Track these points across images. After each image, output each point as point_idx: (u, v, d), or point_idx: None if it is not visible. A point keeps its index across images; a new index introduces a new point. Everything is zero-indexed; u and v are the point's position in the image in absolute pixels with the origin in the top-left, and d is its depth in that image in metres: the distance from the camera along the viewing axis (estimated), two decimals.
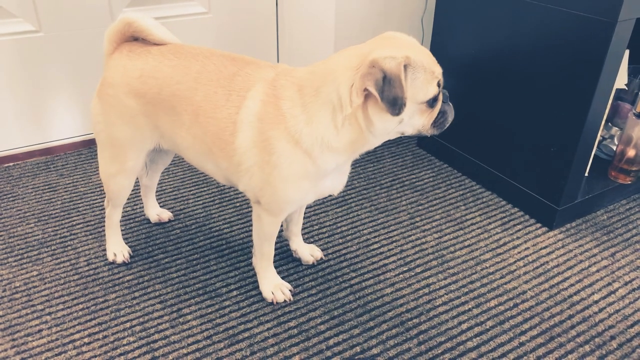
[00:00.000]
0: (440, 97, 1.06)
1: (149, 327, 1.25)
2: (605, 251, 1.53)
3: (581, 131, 1.44)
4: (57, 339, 1.21)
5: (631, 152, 1.68)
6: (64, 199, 1.70)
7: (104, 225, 1.46)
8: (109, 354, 1.18)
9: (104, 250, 1.47)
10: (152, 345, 1.20)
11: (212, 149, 1.14)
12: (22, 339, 1.21)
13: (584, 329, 1.28)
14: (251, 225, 1.31)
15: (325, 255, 1.49)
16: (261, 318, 1.28)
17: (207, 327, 1.25)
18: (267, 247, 1.29)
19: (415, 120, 1.05)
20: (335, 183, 1.19)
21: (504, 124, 1.68)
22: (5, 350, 1.18)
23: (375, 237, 1.57)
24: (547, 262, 1.49)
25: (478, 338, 1.25)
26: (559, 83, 1.47)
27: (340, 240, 1.55)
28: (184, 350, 1.19)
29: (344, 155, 1.09)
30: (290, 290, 1.34)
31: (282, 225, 1.47)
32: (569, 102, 1.46)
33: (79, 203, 1.68)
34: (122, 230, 1.52)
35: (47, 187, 1.76)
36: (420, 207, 1.71)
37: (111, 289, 1.35)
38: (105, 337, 1.22)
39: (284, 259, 1.47)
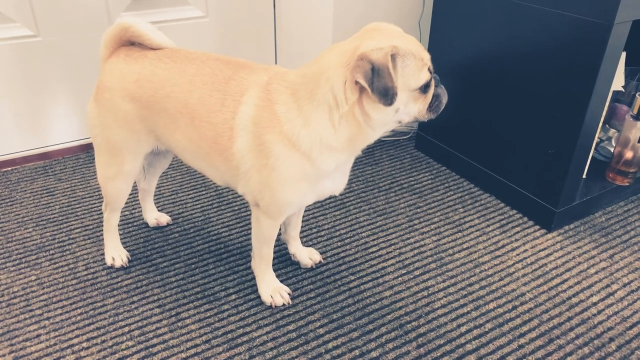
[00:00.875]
0: (433, 82, 1.07)
1: (148, 332, 1.24)
2: (604, 253, 1.54)
3: (578, 133, 1.45)
4: (55, 344, 1.21)
5: (629, 154, 1.68)
6: (62, 203, 1.69)
7: (102, 230, 1.45)
8: (107, 358, 1.18)
9: (103, 254, 1.47)
10: (150, 349, 1.20)
11: (209, 153, 1.14)
12: (21, 344, 1.21)
13: (582, 331, 1.28)
14: (250, 228, 1.31)
15: (324, 259, 1.48)
16: (260, 322, 1.28)
17: (205, 331, 1.25)
18: (266, 250, 1.29)
19: (411, 107, 1.05)
20: (336, 183, 1.19)
21: (502, 126, 1.69)
22: (4, 355, 1.18)
23: (373, 240, 1.57)
24: (546, 264, 1.49)
25: (477, 341, 1.25)
26: (556, 85, 1.47)
27: (339, 244, 1.55)
28: (183, 355, 1.19)
29: (344, 154, 1.09)
30: (289, 294, 1.34)
31: (280, 229, 1.47)
32: (566, 105, 1.46)
33: (77, 207, 1.68)
34: (120, 235, 1.52)
35: (45, 191, 1.75)
36: (418, 210, 1.71)
37: (109, 293, 1.35)
38: (103, 341, 1.22)
39: (283, 262, 1.47)
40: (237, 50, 2.12)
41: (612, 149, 1.78)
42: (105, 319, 1.28)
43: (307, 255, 1.45)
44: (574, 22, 1.37)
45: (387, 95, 0.96)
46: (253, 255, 1.33)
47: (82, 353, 1.19)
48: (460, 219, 1.67)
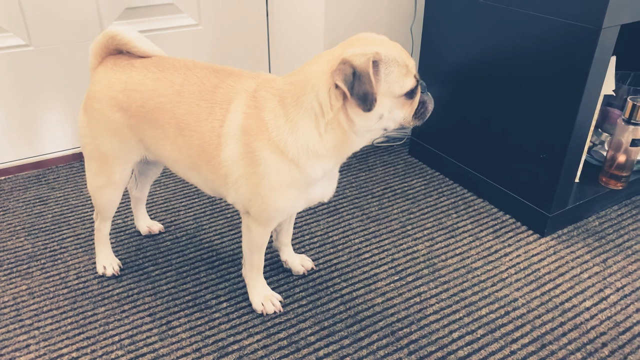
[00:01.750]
0: (419, 89, 1.07)
1: (138, 341, 1.24)
2: (597, 257, 1.53)
3: (569, 137, 1.45)
4: (45, 354, 1.20)
5: (621, 158, 1.68)
6: (55, 212, 1.69)
7: (94, 238, 1.45)
8: None
9: (94, 263, 1.46)
10: (140, 359, 1.19)
11: (197, 162, 1.14)
12: (10, 354, 1.20)
13: (575, 336, 1.27)
14: (242, 236, 1.30)
15: (316, 265, 1.48)
16: (251, 330, 1.27)
17: (196, 339, 1.24)
18: (256, 258, 1.28)
19: (396, 114, 1.05)
20: (325, 190, 1.18)
21: (494, 131, 1.69)
22: None
23: (366, 246, 1.57)
24: (539, 269, 1.48)
25: (469, 347, 1.24)
26: (547, 90, 1.47)
27: (332, 250, 1.55)
28: None
29: (331, 160, 1.10)
30: (280, 301, 1.34)
31: (272, 236, 1.47)
32: (556, 109, 1.46)
33: (70, 216, 1.67)
34: (112, 243, 1.52)
35: (38, 200, 1.75)
36: (411, 216, 1.71)
37: (100, 302, 1.35)
38: (93, 351, 1.21)
39: (275, 269, 1.46)
40: (231, 58, 2.13)
41: (605, 153, 1.78)
42: (95, 328, 1.27)
43: (299, 262, 1.45)
44: (563, 27, 1.37)
45: (366, 101, 0.97)
46: (244, 263, 1.32)
47: None
48: (453, 225, 1.67)
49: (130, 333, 1.26)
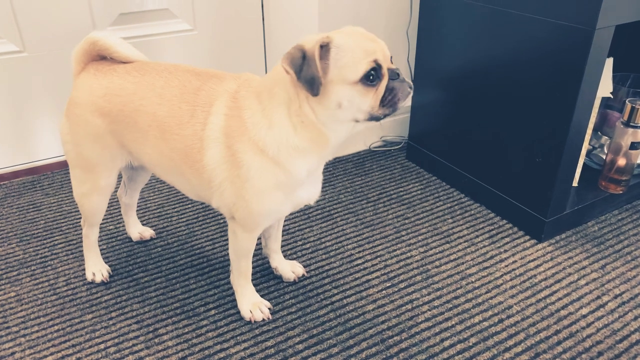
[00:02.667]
0: (386, 75, 0.99)
1: (123, 349, 1.22)
2: (595, 263, 1.50)
3: (565, 141, 1.41)
4: None
5: (621, 161, 1.64)
6: (47, 218, 1.69)
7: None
8: None
9: (84, 270, 1.45)
10: None
11: (180, 166, 1.13)
12: None
13: (571, 344, 1.24)
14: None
15: (307, 272, 1.46)
16: (238, 338, 1.25)
17: (182, 347, 1.23)
18: (244, 264, 1.26)
19: (359, 102, 0.99)
20: (310, 192, 1.16)
21: (490, 135, 1.66)
22: None
23: (359, 252, 1.54)
24: (535, 275, 1.45)
25: (460, 355, 1.21)
26: (542, 92, 1.44)
27: (324, 256, 1.53)
28: None
29: (313, 157, 1.06)
30: (269, 309, 1.32)
31: (261, 243, 1.45)
32: (551, 112, 1.43)
33: (62, 222, 1.67)
34: (103, 249, 1.51)
35: (31, 206, 1.75)
36: (406, 221, 1.68)
37: (88, 309, 1.33)
38: (78, 359, 1.20)
39: (265, 276, 1.45)
40: (227, 63, 2.12)
41: (604, 157, 1.74)
42: (81, 335, 1.26)
43: (289, 269, 1.42)
44: (557, 28, 1.35)
45: (312, 85, 0.95)
46: (232, 270, 1.30)
47: None
48: (448, 230, 1.64)
49: (116, 340, 1.24)
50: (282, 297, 1.37)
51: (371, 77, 0.97)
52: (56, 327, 1.28)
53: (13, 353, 1.21)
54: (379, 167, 2.00)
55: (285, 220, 1.63)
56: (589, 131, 1.58)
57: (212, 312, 1.32)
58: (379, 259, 1.52)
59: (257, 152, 1.04)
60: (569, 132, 1.40)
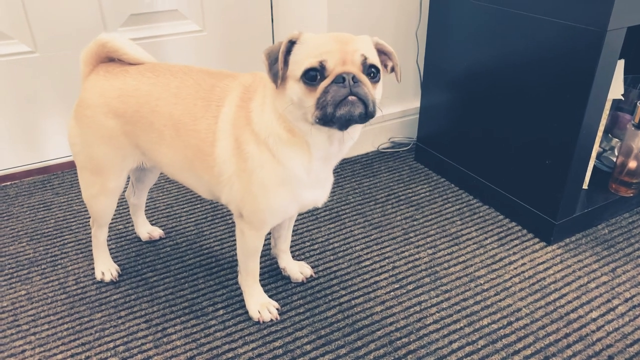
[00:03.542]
0: (329, 78, 0.93)
1: (132, 348, 1.23)
2: (605, 266, 1.48)
3: (575, 143, 1.41)
4: None
5: (632, 164, 1.63)
6: (58, 217, 1.70)
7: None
8: None
9: (94, 269, 1.46)
10: None
11: (193, 162, 1.13)
12: (5, 359, 1.20)
13: (580, 348, 1.23)
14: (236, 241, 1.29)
15: (315, 273, 1.46)
16: (246, 338, 1.25)
17: (190, 347, 1.23)
18: (251, 264, 1.27)
19: (304, 101, 0.96)
20: (317, 194, 1.16)
21: (500, 136, 1.65)
22: None
23: (367, 253, 1.54)
24: (544, 278, 1.44)
25: (469, 358, 1.20)
26: (552, 94, 1.44)
27: (332, 257, 1.53)
28: None
29: (301, 152, 1.05)
30: (277, 309, 1.32)
31: (270, 244, 1.46)
32: (562, 114, 1.42)
33: (72, 221, 1.68)
34: (112, 249, 1.52)
35: (42, 205, 1.76)
36: (415, 223, 1.68)
37: (97, 308, 1.34)
38: (87, 357, 1.20)
39: (273, 276, 1.45)
40: (236, 64, 2.12)
41: (615, 159, 1.73)
42: (91, 334, 1.26)
43: (297, 270, 1.43)
44: (568, 30, 1.34)
45: (276, 77, 0.96)
46: (240, 270, 1.31)
47: None
48: (457, 232, 1.63)
49: (125, 340, 1.25)
50: (290, 298, 1.37)
51: (312, 77, 0.94)
52: (66, 326, 1.29)
53: (23, 351, 1.22)
54: (387, 169, 2.00)
55: None
56: (600, 133, 1.57)
57: (221, 312, 1.33)
58: (387, 260, 1.51)
59: (257, 142, 1.05)
60: (579, 134, 1.40)
